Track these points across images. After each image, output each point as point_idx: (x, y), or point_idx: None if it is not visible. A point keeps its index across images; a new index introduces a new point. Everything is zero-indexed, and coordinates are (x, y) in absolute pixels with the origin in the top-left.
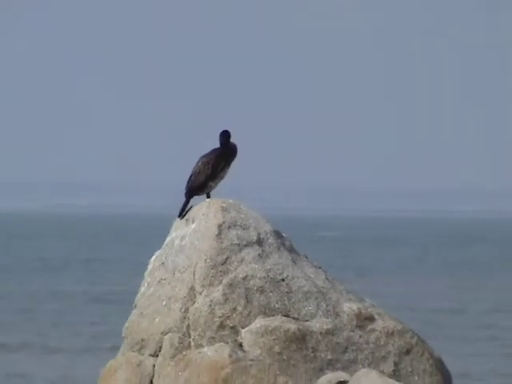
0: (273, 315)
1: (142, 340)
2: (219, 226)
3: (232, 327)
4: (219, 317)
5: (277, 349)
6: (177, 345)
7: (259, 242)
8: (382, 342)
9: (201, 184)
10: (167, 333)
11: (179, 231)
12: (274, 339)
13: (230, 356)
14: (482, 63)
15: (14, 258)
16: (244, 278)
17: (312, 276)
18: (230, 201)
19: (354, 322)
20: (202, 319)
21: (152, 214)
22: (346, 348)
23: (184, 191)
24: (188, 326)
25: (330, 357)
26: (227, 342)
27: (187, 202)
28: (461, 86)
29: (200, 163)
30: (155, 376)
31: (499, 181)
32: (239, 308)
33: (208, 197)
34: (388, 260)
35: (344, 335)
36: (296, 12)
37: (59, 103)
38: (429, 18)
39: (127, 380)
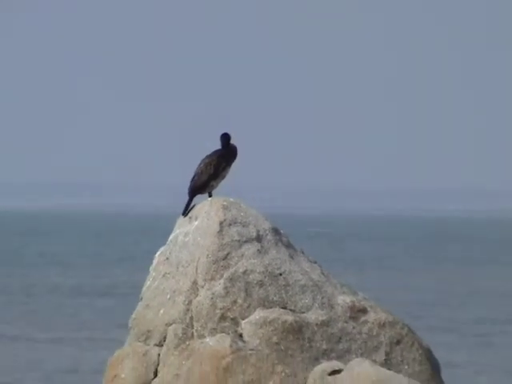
0: (271, 307)
1: (148, 331)
2: (220, 224)
3: (232, 319)
4: (220, 309)
5: (275, 339)
6: (180, 335)
7: (258, 238)
8: (374, 333)
9: (203, 183)
10: (171, 324)
11: (183, 228)
12: (272, 330)
13: (231, 346)
14: (482, 63)
15: (15, 253)
16: (244, 273)
17: (308, 270)
18: (231, 199)
19: (348, 314)
20: (204, 311)
21: (152, 213)
22: (340, 338)
23: (187, 190)
24: (191, 318)
25: (325, 347)
26: (228, 333)
27: (190, 200)
28: (461, 85)
29: (202, 164)
30: (160, 365)
31: (498, 181)
32: (239, 301)
33: (210, 196)
34: (370, 255)
35: (338, 326)
36: (296, 12)
37: (59, 103)
38: (428, 17)
39: (134, 368)
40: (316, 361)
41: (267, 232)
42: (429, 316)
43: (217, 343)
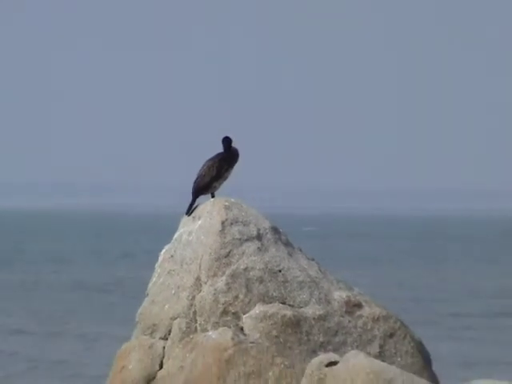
0: (271, 302)
1: (154, 325)
2: (222, 223)
3: (234, 313)
4: (222, 304)
5: (274, 332)
6: (184, 329)
7: (258, 236)
8: (369, 327)
9: (206, 185)
10: (176, 318)
11: (187, 227)
12: (271, 324)
13: (233, 339)
14: (482, 63)
15: (19, 252)
16: (245, 269)
17: (306, 267)
18: (233, 200)
19: (344, 309)
20: (207, 306)
21: (152, 213)
22: (337, 332)
23: (191, 191)
24: (194, 312)
25: (322, 340)
26: (230, 327)
27: (194, 200)
28: (460, 85)
29: (205, 166)
30: (165, 357)
31: (498, 181)
32: (240, 296)
33: (213, 196)
34: (356, 252)
35: (335, 320)
36: (296, 12)
37: (59, 103)
38: (427, 17)
39: (140, 360)
40: (313, 353)
41: (267, 231)
42: (415, 311)
43: (219, 336)
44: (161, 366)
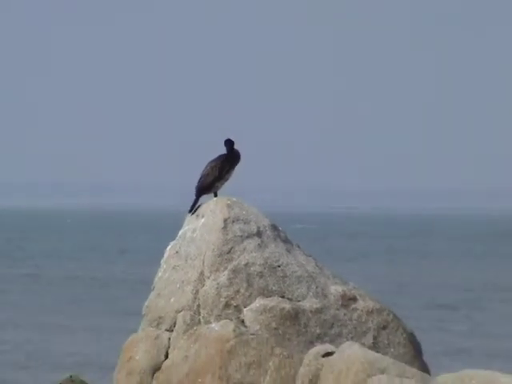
0: (270, 296)
1: (160, 317)
2: (225, 221)
3: (235, 306)
4: (225, 297)
5: (274, 325)
6: (189, 321)
7: (259, 234)
8: (363, 319)
9: (209, 184)
10: (181, 311)
11: (191, 225)
12: (271, 317)
13: (234, 331)
14: (482, 63)
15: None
16: (246, 265)
17: (304, 263)
18: (234, 199)
19: (340, 302)
20: (210, 300)
21: (152, 212)
22: (333, 324)
23: (194, 190)
24: (198, 306)
25: (318, 331)
26: (231, 319)
27: (197, 199)
28: (460, 85)
29: (208, 167)
30: (170, 348)
31: (496, 181)
32: (242, 290)
33: (215, 195)
34: (342, 248)
35: (331, 313)
36: (295, 12)
37: (59, 104)
38: (424, 16)
39: (146, 351)
40: (311, 344)
41: (266, 228)
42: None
43: (221, 328)
44: (166, 357)
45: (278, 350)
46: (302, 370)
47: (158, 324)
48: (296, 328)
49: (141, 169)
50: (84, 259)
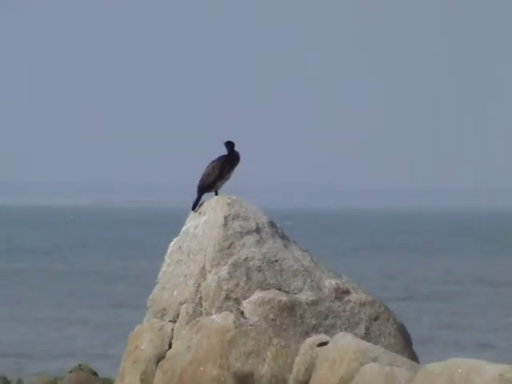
0: (268, 289)
1: (164, 309)
2: (225, 218)
3: (235, 299)
4: (225, 290)
5: (271, 316)
6: (191, 313)
7: (257, 230)
8: (356, 311)
9: (210, 183)
10: (183, 303)
11: (193, 222)
12: (269, 308)
13: (234, 322)
14: (482, 62)
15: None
16: (245, 260)
17: (300, 258)
18: (234, 197)
19: (334, 295)
20: (211, 292)
21: (151, 210)
22: (327, 315)
23: (196, 189)
24: (200, 298)
25: (314, 322)
26: (231, 311)
27: (199, 198)
28: (460, 85)
29: (210, 167)
30: (174, 338)
31: (496, 181)
32: (241, 283)
33: (216, 194)
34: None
35: (325, 305)
36: (294, 12)
37: (60, 103)
38: (423, 16)
39: (151, 341)
40: (306, 334)
41: (265, 225)
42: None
43: (222, 320)
44: (170, 346)
45: (275, 340)
46: (298, 358)
47: (162, 315)
48: (292, 319)
49: (142, 169)
50: (86, 254)
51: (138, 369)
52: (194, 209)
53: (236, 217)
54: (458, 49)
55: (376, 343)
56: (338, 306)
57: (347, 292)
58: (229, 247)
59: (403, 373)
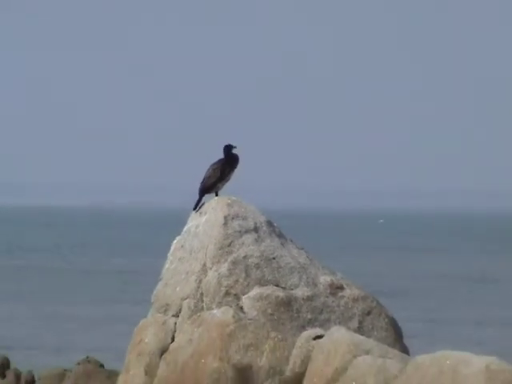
0: (266, 285)
1: (167, 304)
2: (225, 217)
3: (235, 294)
4: (225, 286)
5: (269, 311)
6: (193, 308)
7: (256, 229)
8: (350, 306)
9: (211, 185)
10: (186, 299)
11: (195, 221)
12: (267, 303)
13: (234, 316)
14: (482, 62)
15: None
16: (244, 257)
17: (296, 255)
18: (234, 198)
19: (328, 290)
20: (212, 288)
21: (152, 212)
22: (322, 310)
23: (198, 191)
24: (201, 294)
25: (309, 317)
26: (231, 306)
27: (200, 198)
28: (460, 86)
29: (211, 169)
30: (176, 331)
31: (496, 181)
32: (240, 280)
33: (216, 195)
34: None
35: (321, 300)
36: (293, 14)
37: (60, 104)
38: (425, 15)
39: (155, 334)
40: (303, 328)
41: (263, 224)
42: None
43: (222, 314)
44: (173, 340)
45: (273, 334)
46: (294, 351)
47: (165, 310)
48: (289, 314)
49: (141, 170)
50: (89, 253)
51: (143, 361)
52: (195, 209)
53: (235, 216)
54: (457, 49)
55: (368, 336)
56: (333, 301)
57: (341, 288)
58: (228, 245)
59: (394, 364)
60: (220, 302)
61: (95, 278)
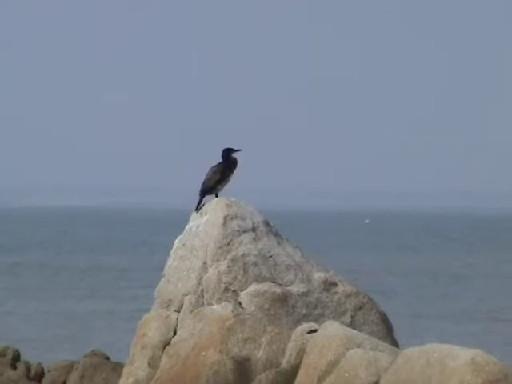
0: (263, 282)
1: (169, 300)
2: (224, 218)
3: (234, 291)
4: (224, 283)
5: (266, 306)
6: (194, 303)
7: (253, 229)
8: (342, 301)
9: (211, 187)
10: (187, 295)
11: (195, 221)
12: (264, 299)
13: (232, 311)
14: (483, 64)
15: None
16: (242, 255)
17: (292, 253)
18: (232, 199)
19: (322, 287)
20: (212, 285)
21: (151, 211)
22: (316, 305)
23: (198, 192)
24: (202, 290)
25: (304, 312)
26: (230, 302)
27: (201, 199)
28: (460, 86)
29: (211, 172)
30: (178, 326)
31: (496, 181)
32: (239, 277)
33: (216, 196)
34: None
35: (315, 296)
36: (292, 14)
37: (60, 104)
38: (416, 21)
39: (158, 329)
40: (298, 323)
41: (260, 224)
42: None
43: (222, 309)
44: (175, 333)
45: (270, 328)
46: (290, 344)
47: (167, 306)
48: (285, 309)
49: (142, 172)
50: (92, 251)
51: (146, 354)
52: (196, 210)
53: (234, 217)
54: (460, 49)
55: (360, 330)
56: (326, 297)
57: (334, 284)
58: (228, 244)
59: (385, 357)
60: (220, 298)
61: (98, 274)
